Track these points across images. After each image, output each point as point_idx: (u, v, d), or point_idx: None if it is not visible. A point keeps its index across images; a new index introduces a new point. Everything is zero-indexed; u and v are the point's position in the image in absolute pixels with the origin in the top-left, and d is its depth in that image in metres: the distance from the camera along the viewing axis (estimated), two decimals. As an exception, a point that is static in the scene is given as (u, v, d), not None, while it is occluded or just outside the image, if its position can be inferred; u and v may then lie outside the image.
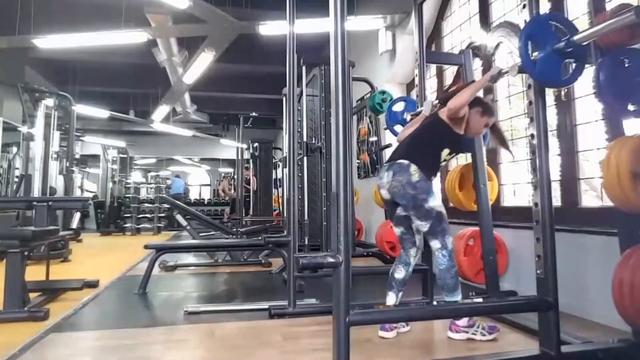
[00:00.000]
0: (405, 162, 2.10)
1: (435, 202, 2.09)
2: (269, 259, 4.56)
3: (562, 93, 2.76)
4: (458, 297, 2.10)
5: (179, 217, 4.95)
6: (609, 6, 1.98)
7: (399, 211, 2.20)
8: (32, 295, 2.81)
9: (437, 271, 2.10)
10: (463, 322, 2.08)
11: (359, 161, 6.11)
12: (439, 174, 4.34)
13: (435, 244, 2.10)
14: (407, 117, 2.96)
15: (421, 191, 2.06)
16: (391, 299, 2.24)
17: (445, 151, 2.18)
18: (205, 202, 16.49)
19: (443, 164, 2.23)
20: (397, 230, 2.27)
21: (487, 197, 2.85)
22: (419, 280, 2.86)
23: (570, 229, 2.53)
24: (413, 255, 2.26)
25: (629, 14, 1.46)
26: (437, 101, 2.47)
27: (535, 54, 1.71)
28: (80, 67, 8.76)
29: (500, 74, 2.02)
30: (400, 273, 2.24)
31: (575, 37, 1.65)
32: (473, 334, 2.07)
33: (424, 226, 2.09)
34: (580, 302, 2.46)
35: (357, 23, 5.26)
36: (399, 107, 3.08)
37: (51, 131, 5.47)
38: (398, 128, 3.00)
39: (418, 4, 2.83)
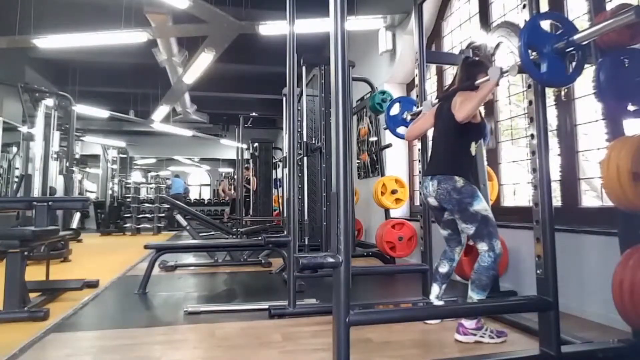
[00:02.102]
0: (449, 175, 2.16)
1: (480, 205, 2.12)
2: (269, 259, 4.56)
3: (562, 93, 2.76)
4: (483, 297, 2.11)
5: (179, 217, 4.95)
6: (609, 6, 1.98)
7: (446, 215, 2.30)
8: (32, 295, 2.81)
9: (477, 266, 2.11)
10: (471, 324, 2.07)
11: (359, 161, 6.11)
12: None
13: (482, 246, 2.12)
14: (407, 117, 2.96)
15: (466, 195, 2.12)
16: (435, 290, 2.38)
17: (473, 144, 2.22)
18: (205, 202, 16.49)
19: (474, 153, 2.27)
20: (445, 232, 2.39)
21: (487, 197, 2.85)
22: (419, 280, 2.87)
23: (570, 229, 2.53)
24: (458, 252, 2.39)
25: (629, 14, 1.46)
26: (436, 100, 2.49)
27: (535, 54, 1.71)
28: (80, 67, 8.75)
29: (502, 74, 2.02)
30: (444, 268, 2.38)
31: (575, 37, 1.65)
32: (481, 336, 2.06)
33: (470, 229, 2.13)
34: (580, 302, 2.46)
35: (357, 23, 5.26)
36: (395, 109, 3.08)
37: (51, 131, 5.46)
38: (401, 130, 2.99)
39: (418, 4, 2.83)
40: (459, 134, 2.19)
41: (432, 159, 2.36)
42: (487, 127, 3.01)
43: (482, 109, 2.36)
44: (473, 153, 2.24)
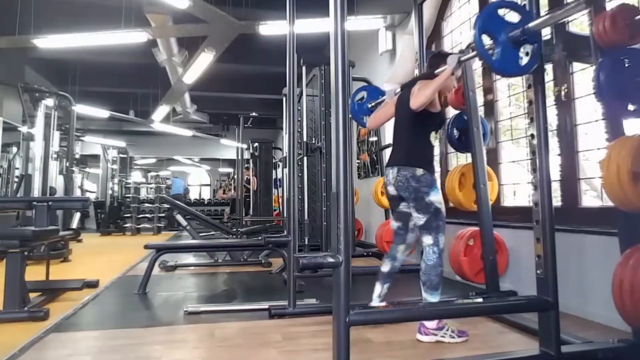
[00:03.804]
0: (410, 167, 2.15)
1: (436, 197, 2.12)
2: (269, 259, 4.56)
3: (562, 93, 2.76)
4: (437, 298, 2.10)
5: (179, 217, 4.95)
6: (609, 6, 1.97)
7: (402, 207, 2.27)
8: (32, 295, 2.81)
9: (423, 266, 2.11)
10: (432, 324, 2.06)
11: (359, 161, 6.11)
12: (438, 174, 4.35)
13: (427, 239, 2.11)
14: (371, 105, 2.99)
15: (424, 184, 2.11)
16: (377, 289, 2.34)
17: (433, 133, 2.22)
18: (205, 202, 16.49)
19: (435, 144, 2.27)
20: (395, 225, 2.35)
21: (487, 197, 2.84)
22: (419, 280, 2.86)
23: (570, 229, 2.53)
24: (401, 251, 2.34)
25: (579, 2, 1.52)
26: (399, 89, 2.49)
27: (491, 42, 1.71)
28: (80, 67, 8.75)
29: (460, 62, 2.01)
30: (386, 267, 2.34)
31: (530, 25, 1.66)
32: (442, 336, 2.05)
33: (421, 219, 2.12)
34: (580, 302, 2.46)
35: (357, 23, 5.26)
36: (359, 97, 3.10)
37: (51, 131, 5.46)
38: (367, 119, 3.00)
39: (418, 4, 2.83)
40: (418, 124, 2.18)
41: (393, 151, 2.34)
42: (487, 127, 3.02)
43: (462, 97, 2.35)
44: (433, 142, 2.23)
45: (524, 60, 1.74)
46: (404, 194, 2.18)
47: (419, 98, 2.03)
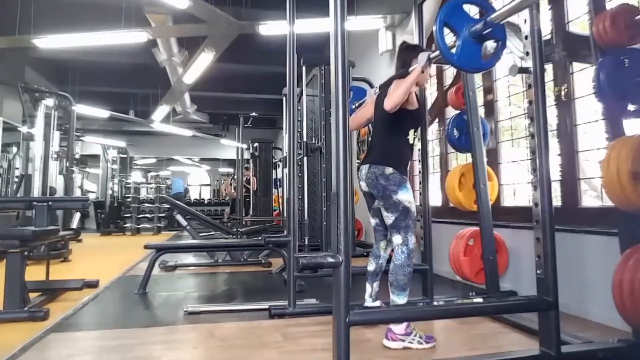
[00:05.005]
0: (381, 166, 2.14)
1: (404, 196, 2.11)
2: (269, 259, 4.56)
3: (562, 93, 2.76)
4: (404, 299, 2.08)
5: (179, 217, 4.95)
6: (609, 6, 1.98)
7: (376, 203, 2.27)
8: (32, 295, 2.81)
9: (392, 265, 2.10)
10: (400, 329, 2.02)
11: (358, 161, 6.11)
12: (438, 174, 4.35)
13: (397, 239, 2.11)
14: (355, 105, 2.98)
15: (392, 183, 2.11)
16: (367, 289, 2.35)
17: (411, 132, 2.20)
18: (205, 202, 16.48)
19: (416, 143, 2.25)
20: (372, 222, 2.37)
21: (487, 197, 2.85)
22: (419, 280, 2.86)
23: (570, 229, 2.53)
24: (383, 248, 2.35)
25: None
26: (377, 88, 2.48)
27: (454, 39, 1.71)
28: (80, 67, 8.74)
29: (429, 60, 2.00)
30: (371, 266, 2.36)
31: (492, 16, 1.65)
32: (410, 342, 2.01)
33: (390, 218, 2.12)
34: (580, 302, 2.46)
35: (357, 23, 5.26)
36: None
37: (51, 131, 5.46)
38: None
39: (418, 4, 2.83)
40: (395, 123, 2.16)
41: (368, 149, 2.34)
42: (487, 127, 3.02)
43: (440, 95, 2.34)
44: (411, 141, 2.21)
45: (487, 57, 1.74)
46: (373, 192, 2.19)
47: (392, 99, 2.02)
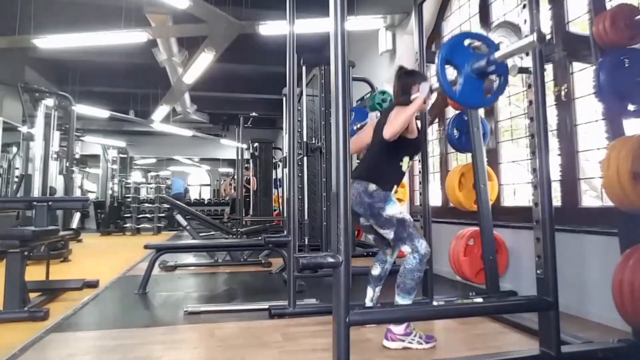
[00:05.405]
0: (365, 181, 2.11)
1: (393, 209, 2.07)
2: (269, 259, 4.56)
3: (562, 93, 2.76)
4: (409, 302, 2.06)
5: (179, 217, 4.95)
6: (609, 6, 1.98)
7: (363, 221, 2.23)
8: (32, 295, 2.81)
9: (402, 268, 2.06)
10: (400, 330, 2.02)
11: (358, 161, 6.10)
12: (437, 175, 4.35)
13: (405, 249, 2.07)
14: (356, 127, 2.93)
15: (377, 200, 2.07)
16: (369, 293, 2.33)
17: (406, 159, 2.17)
18: (205, 202, 16.49)
19: (406, 170, 2.21)
20: (370, 237, 2.34)
21: (487, 197, 2.85)
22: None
23: (570, 229, 2.53)
24: (389, 254, 2.33)
25: (530, 39, 1.53)
26: (379, 113, 2.43)
27: (455, 75, 1.69)
28: (80, 67, 8.74)
29: (431, 91, 1.98)
30: (376, 270, 2.33)
31: (496, 55, 1.63)
32: (410, 342, 2.00)
33: (389, 234, 2.08)
34: (580, 302, 2.46)
35: (357, 23, 5.26)
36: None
37: (51, 131, 5.46)
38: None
39: (418, 4, 2.83)
40: (392, 148, 2.11)
41: (359, 165, 2.31)
42: (487, 127, 3.02)
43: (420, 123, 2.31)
44: (404, 168, 2.17)
45: (489, 93, 1.73)
46: (359, 210, 2.12)
47: (391, 127, 1.99)
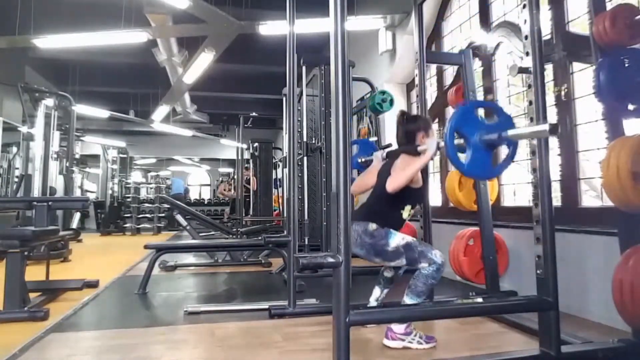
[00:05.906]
0: (364, 222, 2.07)
1: (395, 240, 2.03)
2: (269, 259, 4.56)
3: (562, 93, 2.76)
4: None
5: (179, 217, 4.95)
6: (609, 6, 1.98)
7: (363, 254, 2.12)
8: (32, 295, 2.81)
9: (417, 272, 2.02)
10: (400, 329, 2.00)
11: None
12: (437, 175, 4.35)
13: (422, 266, 2.01)
14: (361, 160, 2.88)
15: (379, 238, 2.03)
16: (375, 292, 2.31)
17: (407, 208, 2.13)
18: (205, 202, 16.49)
19: (407, 218, 2.16)
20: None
21: (487, 197, 2.85)
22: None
23: (570, 229, 2.53)
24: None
25: (543, 127, 1.48)
26: (385, 154, 2.38)
27: (461, 142, 1.66)
28: (80, 67, 8.74)
29: (438, 148, 1.94)
30: (389, 272, 2.31)
31: (510, 134, 1.59)
32: (410, 342, 1.99)
33: (401, 262, 2.05)
34: (580, 302, 2.46)
35: (357, 23, 5.26)
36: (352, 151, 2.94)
37: (51, 131, 5.46)
38: (354, 173, 2.85)
39: (418, 4, 2.83)
40: (395, 196, 2.04)
41: (361, 206, 2.27)
42: None
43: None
44: (404, 216, 2.13)
45: (497, 164, 1.70)
46: (360, 252, 2.07)
47: (396, 181, 1.95)
